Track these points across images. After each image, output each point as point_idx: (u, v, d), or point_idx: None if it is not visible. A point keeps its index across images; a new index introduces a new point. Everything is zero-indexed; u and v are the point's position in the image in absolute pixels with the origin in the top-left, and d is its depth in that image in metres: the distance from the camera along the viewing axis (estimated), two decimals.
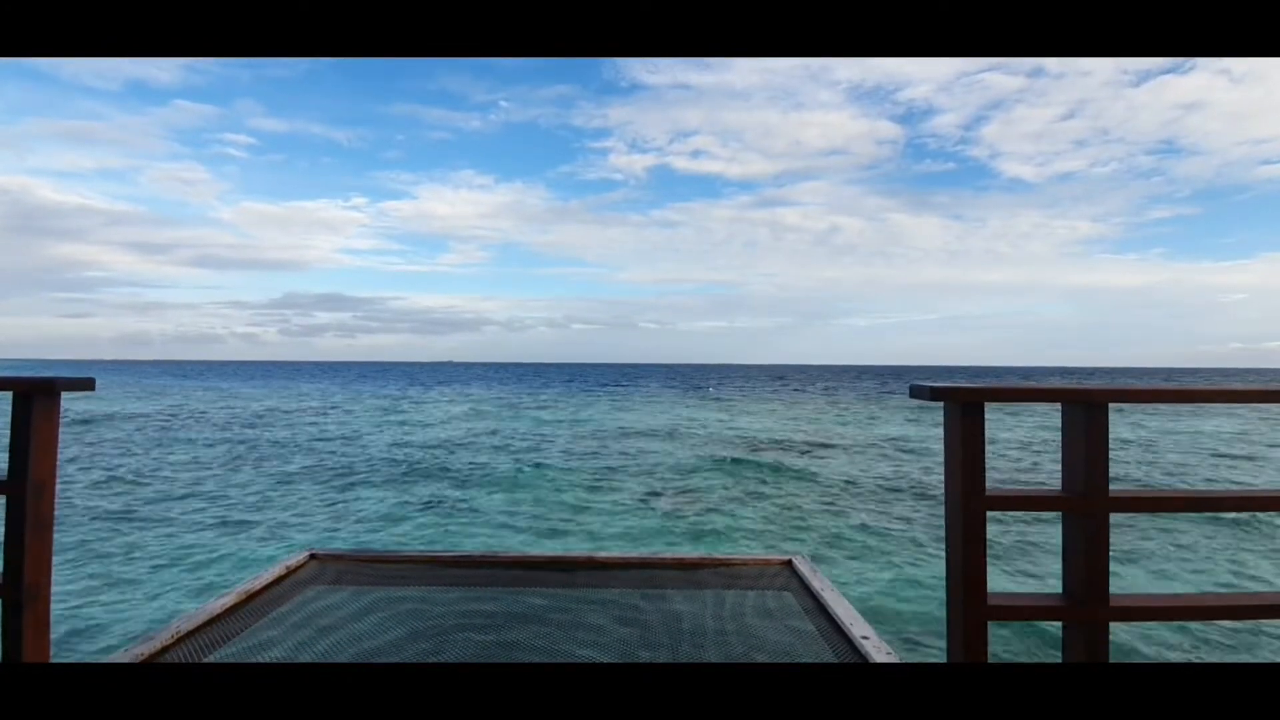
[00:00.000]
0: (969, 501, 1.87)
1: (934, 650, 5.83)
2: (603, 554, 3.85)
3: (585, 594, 3.15)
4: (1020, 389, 1.90)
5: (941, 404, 1.90)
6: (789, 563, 3.52)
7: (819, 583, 3.14)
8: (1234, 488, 13.85)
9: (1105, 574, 1.84)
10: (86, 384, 2.10)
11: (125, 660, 2.27)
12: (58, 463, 2.17)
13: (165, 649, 2.44)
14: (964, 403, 1.90)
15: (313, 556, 3.54)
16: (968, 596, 1.88)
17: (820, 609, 2.91)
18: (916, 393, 1.97)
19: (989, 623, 1.89)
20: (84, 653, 5.87)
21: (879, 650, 2.40)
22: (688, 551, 4.52)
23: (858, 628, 2.61)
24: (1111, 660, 1.15)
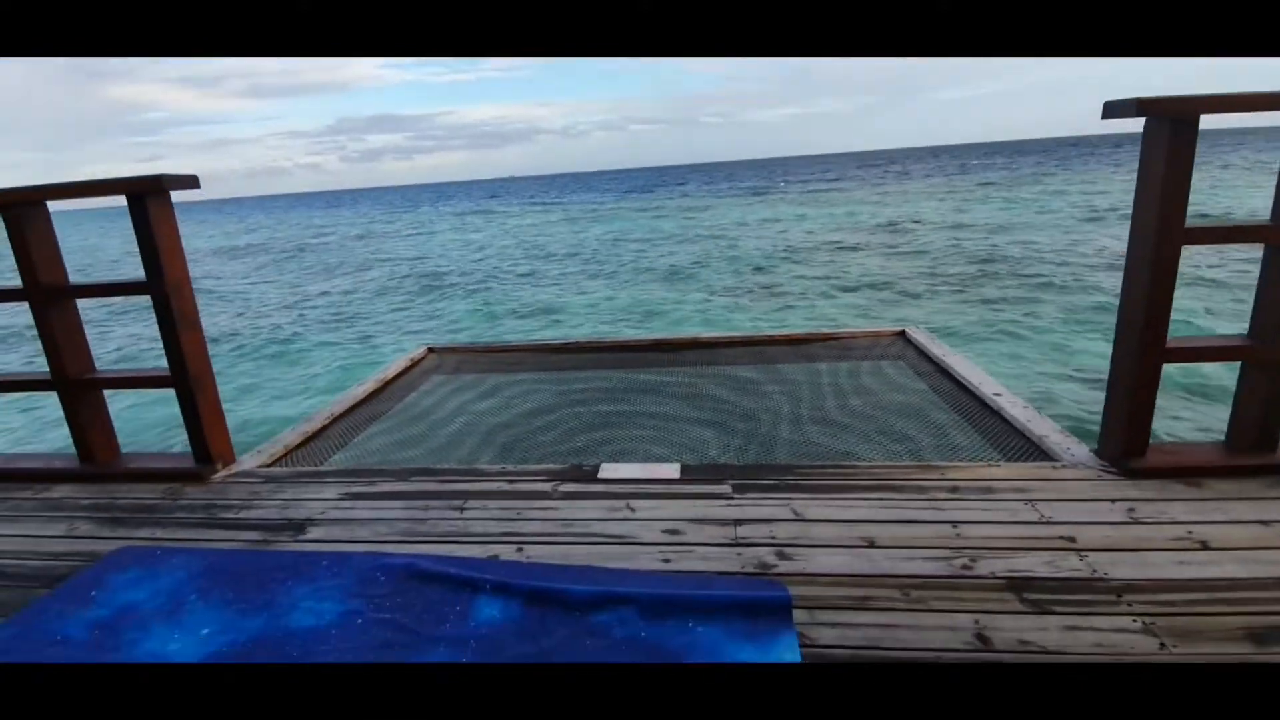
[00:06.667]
0: (1164, 237, 1.64)
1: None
2: (708, 334, 3.85)
3: (698, 370, 3.19)
4: (1248, 96, 1.56)
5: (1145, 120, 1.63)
6: (902, 333, 3.42)
7: (938, 349, 3.04)
8: None
9: None
10: (191, 181, 2.08)
11: (295, 440, 2.49)
12: (186, 261, 2.20)
13: (324, 429, 2.66)
14: (1174, 116, 1.59)
15: (430, 350, 3.71)
16: (1145, 337, 1.72)
17: (942, 372, 2.83)
18: (1112, 111, 1.66)
19: (1164, 366, 1.75)
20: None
21: (1014, 405, 2.32)
22: (795, 329, 4.50)
23: (987, 386, 2.53)
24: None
